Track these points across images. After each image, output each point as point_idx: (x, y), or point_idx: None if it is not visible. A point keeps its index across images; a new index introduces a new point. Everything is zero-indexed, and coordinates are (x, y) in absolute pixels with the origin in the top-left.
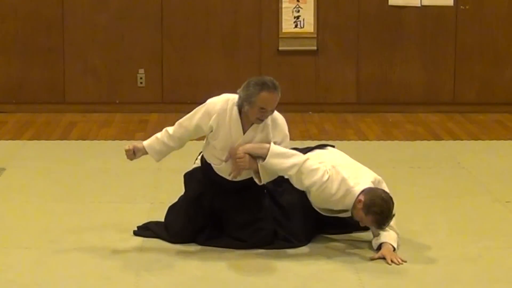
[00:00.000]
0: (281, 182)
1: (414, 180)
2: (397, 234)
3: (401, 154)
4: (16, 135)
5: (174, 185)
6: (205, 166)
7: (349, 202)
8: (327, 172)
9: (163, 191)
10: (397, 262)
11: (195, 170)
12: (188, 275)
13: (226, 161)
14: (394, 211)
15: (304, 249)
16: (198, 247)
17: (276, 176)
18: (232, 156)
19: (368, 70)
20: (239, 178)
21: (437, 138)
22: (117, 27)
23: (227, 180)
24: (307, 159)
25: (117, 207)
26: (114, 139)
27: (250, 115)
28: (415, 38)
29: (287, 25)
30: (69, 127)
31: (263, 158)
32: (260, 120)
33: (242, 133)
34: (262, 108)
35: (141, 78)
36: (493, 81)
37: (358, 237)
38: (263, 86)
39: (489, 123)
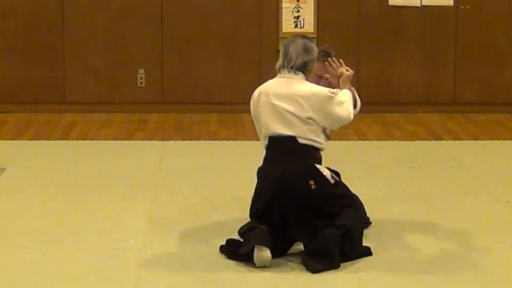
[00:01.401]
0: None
1: (414, 180)
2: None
3: (401, 154)
4: (16, 135)
5: (174, 185)
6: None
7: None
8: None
9: (163, 191)
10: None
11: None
12: (188, 275)
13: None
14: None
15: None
16: (198, 247)
17: None
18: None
19: (368, 70)
20: None
21: (437, 138)
22: (117, 27)
23: None
24: None
25: (117, 207)
26: (114, 139)
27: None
28: (415, 38)
29: (287, 25)
30: (69, 127)
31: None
32: None
33: None
34: None
35: (141, 78)
36: (493, 81)
37: None
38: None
39: (489, 123)
